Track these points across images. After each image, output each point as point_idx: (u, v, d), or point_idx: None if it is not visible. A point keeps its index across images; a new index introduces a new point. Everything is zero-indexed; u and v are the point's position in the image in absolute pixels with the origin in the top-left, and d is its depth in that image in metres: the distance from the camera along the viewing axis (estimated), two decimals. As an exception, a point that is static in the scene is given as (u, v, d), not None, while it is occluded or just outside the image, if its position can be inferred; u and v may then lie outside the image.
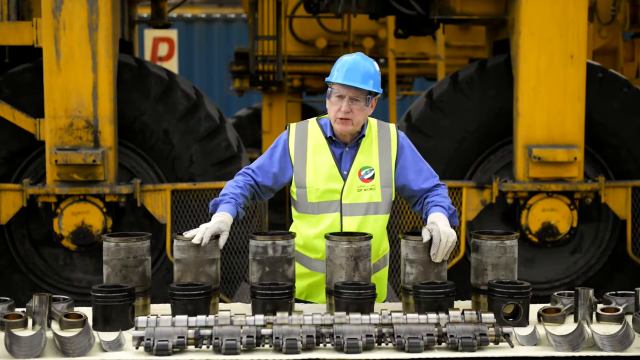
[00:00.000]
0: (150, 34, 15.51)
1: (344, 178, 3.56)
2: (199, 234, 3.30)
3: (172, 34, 15.64)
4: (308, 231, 3.61)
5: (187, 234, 3.32)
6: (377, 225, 3.59)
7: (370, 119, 3.67)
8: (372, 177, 3.57)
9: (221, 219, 3.40)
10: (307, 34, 11.18)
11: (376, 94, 3.58)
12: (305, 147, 3.60)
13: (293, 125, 3.67)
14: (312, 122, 3.67)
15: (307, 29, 11.12)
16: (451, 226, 3.43)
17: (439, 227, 3.33)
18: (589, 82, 6.53)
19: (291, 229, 3.69)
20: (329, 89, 3.57)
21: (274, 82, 10.00)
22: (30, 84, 6.43)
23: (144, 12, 11.27)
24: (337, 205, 3.56)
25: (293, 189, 3.62)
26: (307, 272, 3.65)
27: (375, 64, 3.61)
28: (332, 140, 3.61)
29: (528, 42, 6.43)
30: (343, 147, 3.61)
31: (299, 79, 11.90)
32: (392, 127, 3.68)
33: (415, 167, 3.63)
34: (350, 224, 3.55)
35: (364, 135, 3.60)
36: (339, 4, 7.08)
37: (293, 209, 3.70)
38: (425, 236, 3.31)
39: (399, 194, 3.71)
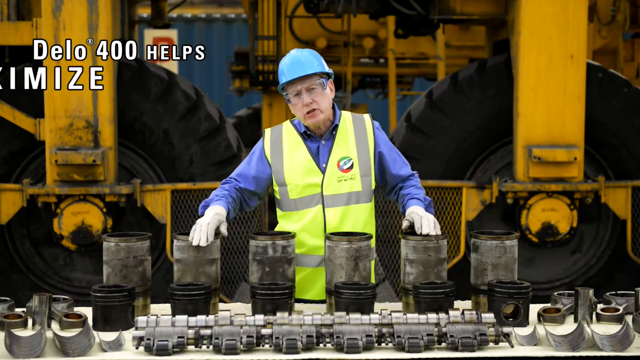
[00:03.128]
0: (150, 34, 15.49)
1: (323, 171, 3.59)
2: (200, 233, 3.30)
3: (172, 34, 15.62)
4: (292, 227, 3.63)
5: (190, 236, 3.33)
6: (359, 214, 3.62)
7: (344, 112, 3.71)
8: (351, 167, 3.61)
9: (216, 212, 3.42)
10: (307, 34, 11.17)
11: (328, 76, 3.61)
12: (281, 147, 3.64)
13: (268, 130, 3.74)
14: (285, 123, 3.74)
15: (307, 29, 11.11)
16: None
17: (417, 212, 3.45)
18: (589, 82, 6.52)
19: (277, 230, 3.70)
20: (285, 96, 3.61)
21: (274, 82, 9.99)
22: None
23: (144, 12, 11.26)
24: (318, 198, 3.59)
25: (275, 188, 3.66)
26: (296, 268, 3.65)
27: (312, 50, 3.65)
28: (308, 136, 3.65)
29: (528, 42, 6.43)
30: (319, 140, 3.64)
31: (299, 79, 11.87)
32: (367, 117, 3.72)
33: (391, 156, 3.69)
34: (334, 215, 3.58)
35: (337, 125, 3.63)
36: (339, 4, 7.07)
37: (278, 210, 3.73)
38: (406, 224, 3.43)
39: (376, 183, 3.74)
